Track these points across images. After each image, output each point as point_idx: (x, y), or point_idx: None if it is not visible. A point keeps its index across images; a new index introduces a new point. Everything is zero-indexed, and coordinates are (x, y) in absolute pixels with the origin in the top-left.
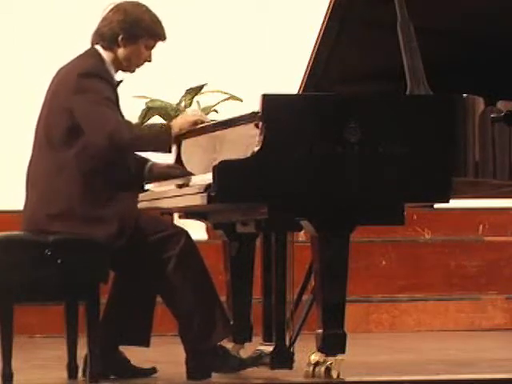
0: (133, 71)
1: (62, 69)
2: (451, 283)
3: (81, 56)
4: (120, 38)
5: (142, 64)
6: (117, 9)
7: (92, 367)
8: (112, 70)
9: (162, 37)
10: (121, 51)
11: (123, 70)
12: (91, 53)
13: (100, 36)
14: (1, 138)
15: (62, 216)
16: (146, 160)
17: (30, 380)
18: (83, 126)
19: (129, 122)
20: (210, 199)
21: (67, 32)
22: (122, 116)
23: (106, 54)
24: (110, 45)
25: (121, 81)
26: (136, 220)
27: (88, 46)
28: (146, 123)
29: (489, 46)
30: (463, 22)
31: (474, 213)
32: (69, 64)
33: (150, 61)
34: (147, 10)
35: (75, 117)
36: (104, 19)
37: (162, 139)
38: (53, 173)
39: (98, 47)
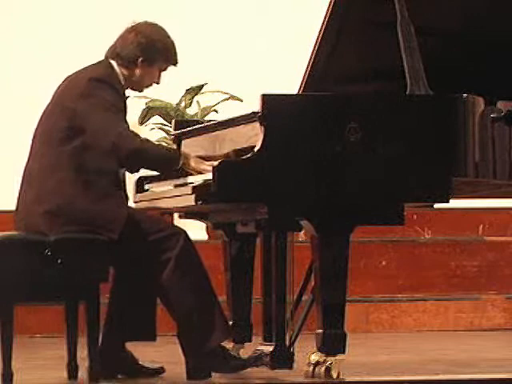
0: (141, 91)
1: (69, 76)
2: (451, 283)
3: (94, 65)
4: (140, 60)
5: (150, 85)
6: (138, 30)
7: (92, 367)
8: (123, 83)
9: (175, 62)
10: (137, 71)
11: (132, 89)
12: (104, 64)
13: (117, 54)
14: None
15: (58, 213)
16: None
17: (30, 380)
18: (87, 130)
19: (135, 133)
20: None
21: (68, 40)
22: (128, 126)
23: (118, 69)
24: (127, 64)
25: (127, 96)
26: (135, 218)
27: (84, 54)
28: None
29: (489, 46)
30: (463, 21)
31: (474, 213)
32: (78, 72)
33: (158, 83)
34: (167, 36)
35: (77, 118)
36: (124, 38)
37: (166, 160)
38: (49, 170)
39: (113, 62)
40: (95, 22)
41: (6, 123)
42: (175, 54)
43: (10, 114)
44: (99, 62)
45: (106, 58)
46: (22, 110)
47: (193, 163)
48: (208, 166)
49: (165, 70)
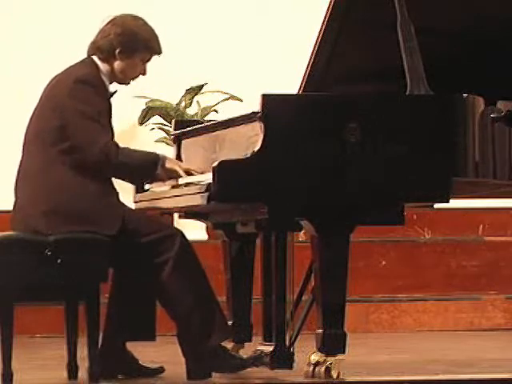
0: (127, 83)
1: (56, 76)
2: (451, 283)
3: (77, 64)
4: (117, 51)
5: (136, 77)
6: (115, 22)
7: (92, 367)
8: (107, 81)
9: (158, 51)
10: (117, 64)
11: (118, 82)
12: (88, 62)
13: (97, 48)
14: None
15: (54, 212)
16: (155, 153)
17: (30, 380)
18: (71, 139)
19: (114, 148)
20: (209, 199)
21: (60, 39)
22: (112, 129)
23: (102, 66)
24: (107, 57)
25: (115, 91)
26: (130, 219)
27: (83, 54)
28: (135, 150)
29: (489, 46)
30: (463, 21)
31: (474, 213)
32: (64, 71)
33: (144, 74)
34: (145, 24)
35: (67, 119)
36: (102, 31)
37: (146, 168)
38: (43, 169)
39: (95, 58)
40: (95, 21)
41: (5, 123)
42: (157, 42)
43: (10, 114)
44: (82, 61)
45: (89, 55)
46: (21, 109)
47: (164, 174)
48: (181, 169)
49: (149, 60)
